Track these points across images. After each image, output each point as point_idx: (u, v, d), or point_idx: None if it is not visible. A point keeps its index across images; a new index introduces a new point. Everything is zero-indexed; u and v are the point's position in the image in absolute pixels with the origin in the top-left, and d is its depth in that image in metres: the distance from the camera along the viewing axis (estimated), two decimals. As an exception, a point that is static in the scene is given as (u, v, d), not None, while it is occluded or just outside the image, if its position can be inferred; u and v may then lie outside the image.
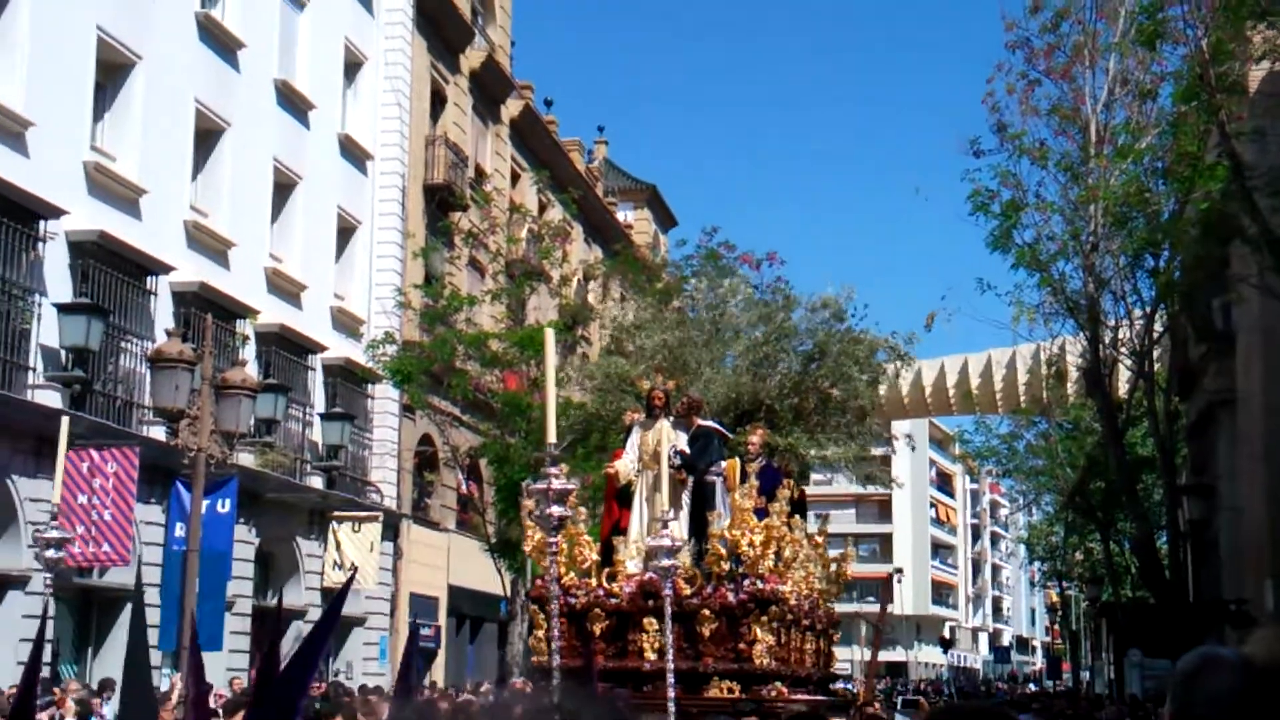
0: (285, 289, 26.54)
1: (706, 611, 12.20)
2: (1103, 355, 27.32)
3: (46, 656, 18.66)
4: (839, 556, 15.30)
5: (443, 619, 32.45)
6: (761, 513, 12.65)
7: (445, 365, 27.71)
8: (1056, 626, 67.85)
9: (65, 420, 8.11)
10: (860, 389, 28.44)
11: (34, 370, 19.17)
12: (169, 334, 19.36)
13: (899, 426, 52.83)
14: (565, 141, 43.72)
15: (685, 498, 13.07)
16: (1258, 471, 24.61)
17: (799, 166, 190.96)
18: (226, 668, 21.71)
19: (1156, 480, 34.19)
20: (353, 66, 30.18)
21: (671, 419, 13.27)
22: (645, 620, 12.29)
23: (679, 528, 12.22)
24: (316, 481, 26.73)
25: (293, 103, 27.22)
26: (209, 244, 24.07)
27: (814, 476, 38.96)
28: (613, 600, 12.54)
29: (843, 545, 16.01)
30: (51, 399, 18.85)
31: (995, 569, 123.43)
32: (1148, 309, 27.85)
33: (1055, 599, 64.92)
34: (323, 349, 27.30)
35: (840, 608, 17.93)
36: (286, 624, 25.83)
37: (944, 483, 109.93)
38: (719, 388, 26.24)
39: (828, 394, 28.21)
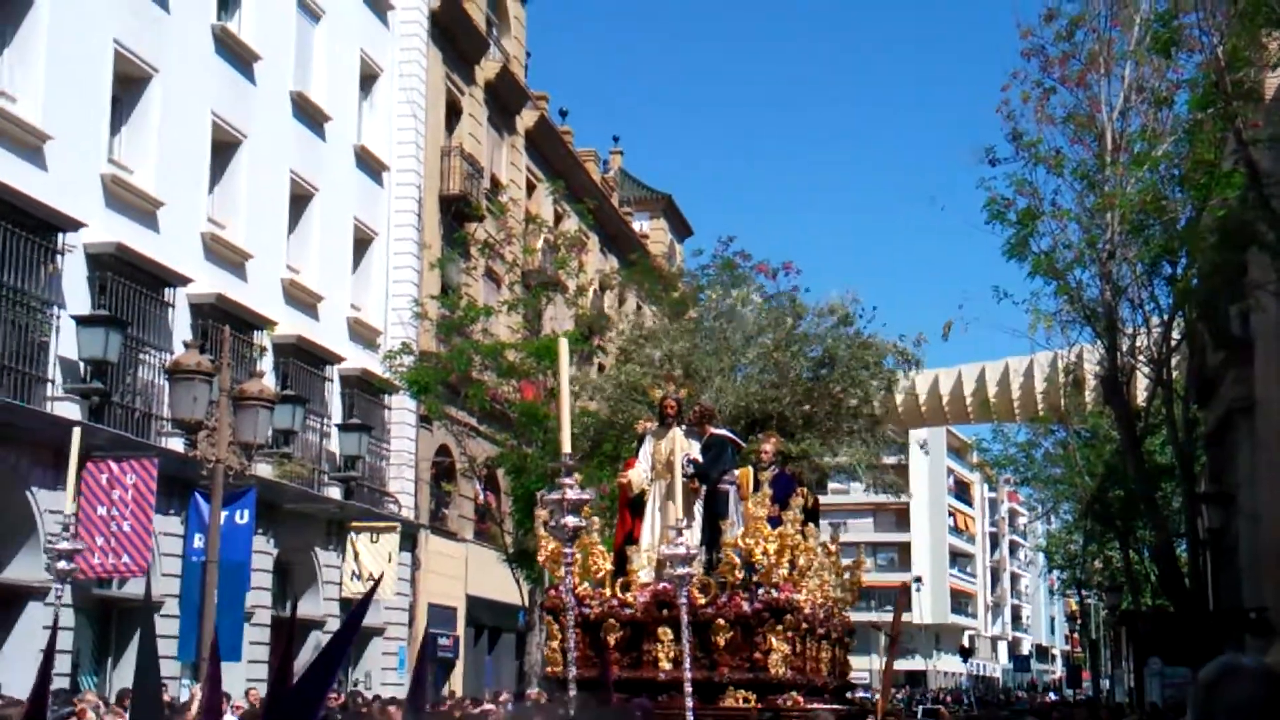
0: (302, 300, 26.62)
1: (721, 621, 12.19)
2: (1120, 363, 27.24)
3: (66, 667, 18.76)
4: (852, 564, 15.28)
5: (461, 629, 32.49)
6: (775, 521, 12.64)
7: (462, 376, 27.75)
8: (1076, 635, 67.61)
9: (77, 431, 8.14)
10: (871, 393, 28.43)
11: (53, 382, 19.25)
12: (187, 346, 19.45)
13: (915, 434, 52.82)
14: (580, 152, 43.79)
15: (698, 507, 13.07)
16: (1277, 479, 24.50)
17: (814, 175, 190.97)
18: (246, 678, 21.75)
19: (1175, 488, 34.07)
20: (368, 78, 30.29)
21: (684, 427, 13.27)
22: (660, 630, 12.29)
23: (692, 536, 12.22)
24: (334, 492, 26.79)
25: (309, 115, 27.33)
26: (226, 256, 24.16)
27: (831, 485, 38.91)
28: (627, 610, 12.54)
29: (857, 554, 15.96)
30: (70, 411, 18.92)
31: (1014, 577, 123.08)
32: (1165, 316, 27.77)
33: (1074, 607, 64.69)
34: (340, 360, 27.38)
35: (858, 616, 17.92)
36: (305, 634, 25.89)
37: (962, 491, 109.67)
38: (730, 396, 26.24)
39: (839, 400, 28.19)
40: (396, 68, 31.11)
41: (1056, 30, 26.61)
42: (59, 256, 19.50)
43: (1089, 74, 26.73)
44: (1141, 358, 28.40)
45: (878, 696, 24.47)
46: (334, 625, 26.53)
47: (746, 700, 12.14)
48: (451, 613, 31.97)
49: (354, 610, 3.28)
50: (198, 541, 19.43)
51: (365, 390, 28.39)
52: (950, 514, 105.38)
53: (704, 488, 13.10)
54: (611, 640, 12.47)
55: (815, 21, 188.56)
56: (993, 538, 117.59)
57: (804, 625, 12.86)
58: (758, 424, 24.71)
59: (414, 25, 31.59)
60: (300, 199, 27.06)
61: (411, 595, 30.10)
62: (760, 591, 12.31)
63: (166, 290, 22.05)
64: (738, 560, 12.47)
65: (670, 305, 31.57)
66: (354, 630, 3.32)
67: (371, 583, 26.39)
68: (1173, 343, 28.31)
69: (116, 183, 21.24)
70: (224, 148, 24.57)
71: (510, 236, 31.44)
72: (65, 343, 19.40)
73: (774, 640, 12.19)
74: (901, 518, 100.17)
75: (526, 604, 28.52)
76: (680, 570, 9.10)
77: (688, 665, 9.42)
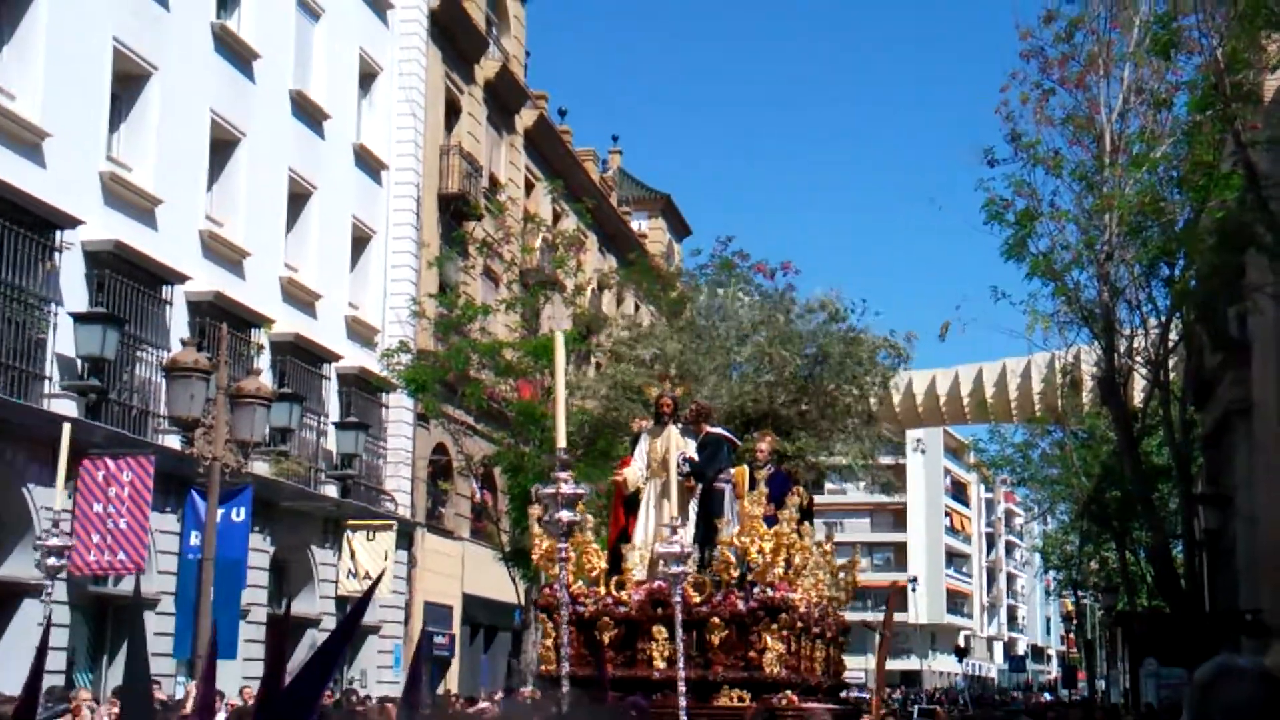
0: (300, 298, 26.62)
1: (716, 619, 12.21)
2: (1118, 364, 27.23)
3: (61, 664, 18.76)
4: (848, 564, 15.28)
5: (457, 627, 32.49)
6: (771, 520, 12.65)
7: (459, 374, 27.75)
8: (1072, 635, 67.68)
9: (67, 426, 8.16)
10: (865, 388, 28.46)
11: (50, 380, 19.25)
12: (184, 343, 19.43)
13: (912, 434, 52.82)
14: (579, 151, 43.79)
15: (693, 505, 13.08)
16: (1274, 481, 24.52)
17: (813, 175, 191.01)
18: (242, 676, 21.75)
19: (1172, 489, 34.08)
20: (367, 77, 30.29)
21: (680, 426, 13.28)
22: (655, 628, 12.30)
23: (687, 535, 12.23)
24: (331, 490, 26.79)
25: (308, 113, 27.33)
26: (224, 254, 24.16)
27: (828, 486, 38.94)
28: (622, 609, 12.54)
29: (852, 553, 15.95)
30: (67, 408, 18.92)
31: (1010, 578, 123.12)
32: (1163, 318, 27.76)
33: (1070, 608, 64.75)
34: (337, 358, 27.37)
35: (853, 616, 17.91)
36: (301, 632, 25.88)
37: (959, 492, 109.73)
38: (725, 395, 26.26)
39: (834, 397, 28.21)
40: (396, 66, 31.10)
41: (1056, 32, 26.61)
42: (57, 254, 19.51)
43: (1088, 75, 26.72)
44: (1139, 359, 28.39)
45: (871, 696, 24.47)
46: (330, 623, 26.52)
47: (741, 699, 12.14)
48: (447, 611, 31.97)
49: (353, 609, 3.27)
50: (194, 539, 19.45)
51: (362, 388, 28.39)
52: (947, 514, 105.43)
53: (700, 486, 13.10)
54: (606, 639, 12.48)
55: (814, 21, 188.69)
56: (989, 538, 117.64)
57: (799, 624, 12.86)
58: (752, 423, 24.73)
59: (413, 24, 31.58)
60: (299, 197, 27.06)
61: (408, 593, 30.10)
62: (755, 590, 12.32)
63: (164, 288, 22.05)
64: (733, 559, 12.48)
65: (668, 305, 31.56)
66: (353, 628, 3.31)
67: (369, 580, 26.40)
68: (1170, 344, 28.31)
69: (115, 180, 21.24)
70: (223, 146, 24.57)
71: (508, 235, 31.44)
72: (63, 340, 19.41)
73: (769, 639, 12.20)
74: (898, 518, 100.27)
75: (522, 602, 28.53)
76: (674, 569, 9.11)
77: (681, 664, 9.44)
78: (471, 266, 32.15)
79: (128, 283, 20.97)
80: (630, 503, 13.38)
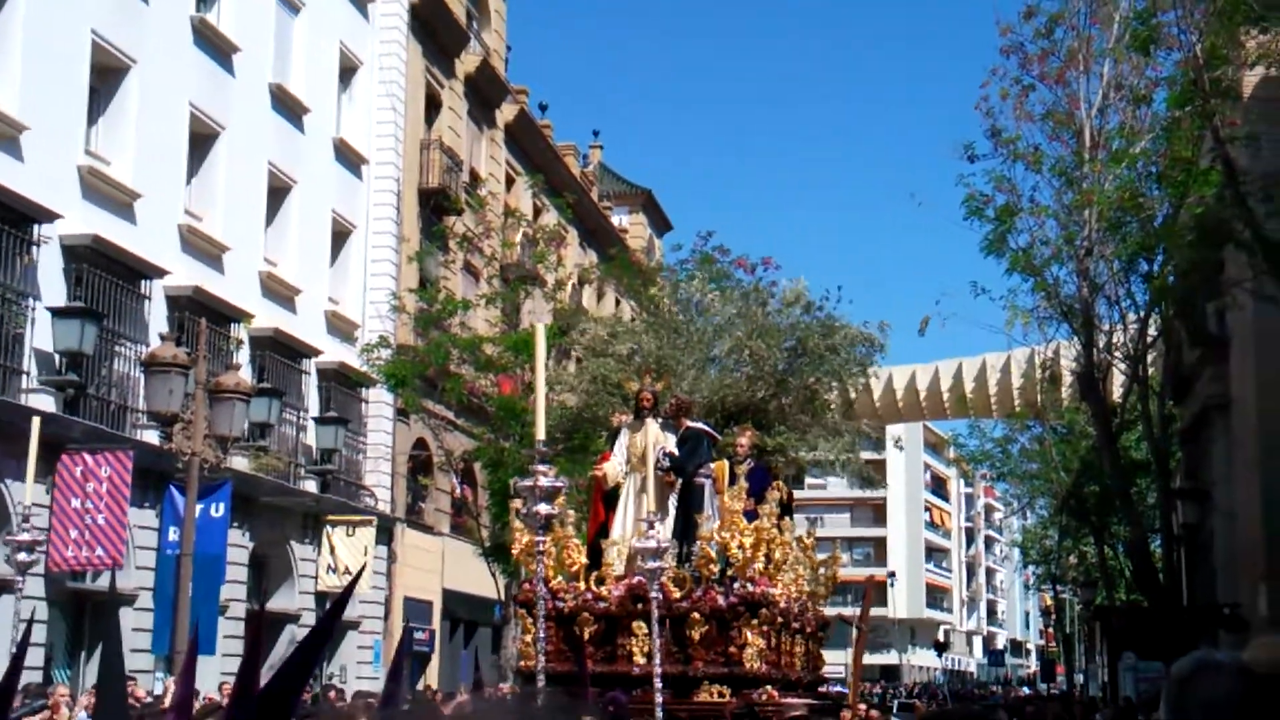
0: (279, 293, 26.54)
1: (696, 615, 12.20)
2: (1097, 360, 27.29)
3: (39, 660, 18.67)
4: (827, 559, 15.29)
5: (437, 623, 32.44)
6: (751, 515, 12.64)
7: (440, 369, 27.70)
8: (1051, 630, 67.93)
9: (36, 420, 8.12)
10: (845, 379, 28.49)
11: (28, 374, 19.16)
12: (163, 338, 19.38)
13: (892, 430, 52.90)
14: (560, 146, 43.74)
15: (673, 500, 13.07)
16: (1252, 476, 24.61)
17: (795, 170, 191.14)
18: (220, 672, 21.68)
19: (1151, 484, 34.18)
20: (348, 71, 30.20)
21: (660, 420, 13.27)
22: (634, 624, 12.28)
23: (667, 530, 12.22)
24: (310, 485, 26.72)
25: (287, 107, 27.23)
26: (203, 248, 24.07)
27: (808, 480, 38.96)
28: (601, 604, 12.53)
29: (831, 548, 15.96)
30: (45, 403, 18.84)
31: (989, 573, 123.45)
32: (1142, 313, 27.83)
33: (1049, 602, 64.96)
34: (317, 353, 27.30)
35: (832, 610, 17.92)
36: (280, 628, 25.82)
37: (938, 487, 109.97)
38: (704, 389, 26.26)
39: (814, 391, 28.23)
40: (376, 60, 31.02)
41: (1036, 27, 26.64)
42: (35, 248, 19.42)
43: (1068, 71, 26.77)
44: (1118, 354, 28.45)
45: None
46: (309, 619, 26.48)
47: (721, 694, 12.14)
48: (428, 607, 31.93)
49: (333, 605, 3.23)
50: (173, 534, 19.40)
51: (342, 383, 28.32)
52: (926, 509, 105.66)
53: (680, 481, 13.09)
54: (586, 634, 12.46)
55: (795, 18, 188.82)
56: (968, 533, 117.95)
57: (779, 620, 12.86)
58: (732, 417, 24.73)
59: (394, 18, 31.50)
60: (278, 191, 26.97)
61: (387, 589, 30.05)
62: (736, 585, 12.31)
63: (143, 282, 21.95)
64: (713, 554, 12.46)
65: (647, 300, 31.54)
66: (333, 625, 3.27)
67: (348, 576, 26.36)
68: (1149, 340, 28.38)
69: (93, 174, 21.15)
70: (202, 139, 24.48)
71: (489, 230, 31.37)
72: (40, 334, 19.32)
73: (749, 634, 12.20)
74: (878, 513, 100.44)
75: (503, 598, 28.50)
76: (651, 564, 9.10)
77: (658, 659, 9.42)
78: (452, 261, 32.09)
79: (106, 277, 20.88)
80: (610, 498, 13.36)
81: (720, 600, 12.21)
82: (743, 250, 31.43)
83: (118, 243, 21.04)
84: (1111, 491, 31.69)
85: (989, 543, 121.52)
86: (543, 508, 6.97)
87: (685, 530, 12.88)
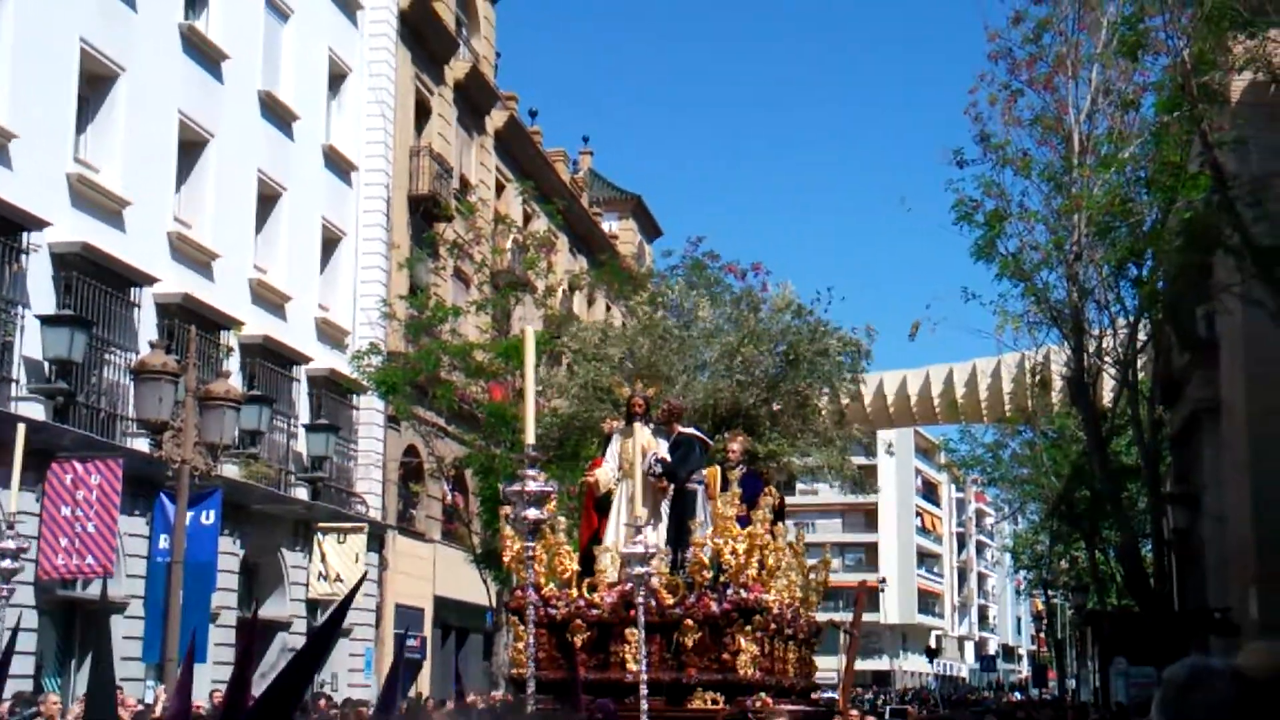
0: (269, 300, 26.50)
1: (689, 621, 12.16)
2: (1087, 364, 27.35)
3: (29, 669, 18.61)
4: (818, 564, 15.27)
5: (428, 630, 32.39)
6: (744, 520, 12.62)
7: (430, 376, 27.67)
8: (1042, 635, 67.88)
9: (21, 428, 8.09)
10: (836, 385, 28.52)
11: (17, 382, 19.11)
12: (153, 346, 19.32)
13: (883, 435, 52.92)
14: (550, 152, 43.74)
15: (665, 506, 13.04)
16: (1242, 479, 24.65)
17: (785, 175, 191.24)
18: (211, 680, 21.64)
19: (1141, 488, 34.23)
20: (337, 78, 30.18)
21: (652, 426, 13.25)
22: (627, 631, 12.24)
23: (655, 535, 12.18)
24: (301, 493, 26.68)
25: (277, 114, 27.21)
26: (193, 255, 24.03)
27: (799, 486, 38.96)
28: (594, 611, 12.49)
29: (822, 554, 15.92)
30: (35, 411, 18.79)
31: (981, 578, 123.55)
32: (1131, 318, 27.89)
33: (1041, 607, 64.94)
34: (307, 360, 27.26)
35: (824, 616, 17.91)
36: (272, 636, 25.76)
37: (929, 492, 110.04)
38: (697, 394, 26.26)
39: (805, 396, 28.24)
40: (365, 67, 31.00)
41: (1024, 33, 26.72)
42: (24, 256, 19.37)
43: (1056, 76, 26.83)
44: (1108, 359, 28.52)
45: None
46: (300, 627, 26.42)
47: (715, 701, 12.10)
48: (419, 614, 31.87)
49: (330, 617, 3.19)
50: (163, 542, 19.31)
51: (333, 390, 28.29)
52: (918, 514, 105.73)
53: (672, 487, 13.06)
54: (579, 641, 12.43)
55: (785, 23, 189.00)
56: (960, 538, 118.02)
57: (772, 626, 12.84)
58: (724, 423, 24.73)
59: (383, 25, 31.48)
60: (268, 198, 26.94)
61: (379, 596, 30.00)
62: (729, 592, 12.27)
63: (132, 290, 21.91)
64: (706, 560, 12.44)
65: (636, 306, 31.53)
66: (332, 639, 3.23)
67: (339, 583, 26.33)
68: (1139, 344, 28.44)
69: (82, 182, 21.10)
70: (191, 147, 24.44)
71: (479, 237, 31.36)
72: (30, 342, 19.27)
73: (742, 641, 12.16)
74: (869, 518, 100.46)
75: (494, 605, 28.45)
76: (639, 569, 9.07)
77: (644, 665, 9.40)
78: (442, 268, 32.05)
79: (95, 285, 20.83)
80: (602, 504, 13.33)
81: (713, 606, 12.17)
82: (733, 255, 31.58)
83: (107, 250, 21.00)
84: (1102, 496, 31.75)
85: (980, 548, 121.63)
86: (531, 512, 6.95)
87: (678, 536, 12.84)
